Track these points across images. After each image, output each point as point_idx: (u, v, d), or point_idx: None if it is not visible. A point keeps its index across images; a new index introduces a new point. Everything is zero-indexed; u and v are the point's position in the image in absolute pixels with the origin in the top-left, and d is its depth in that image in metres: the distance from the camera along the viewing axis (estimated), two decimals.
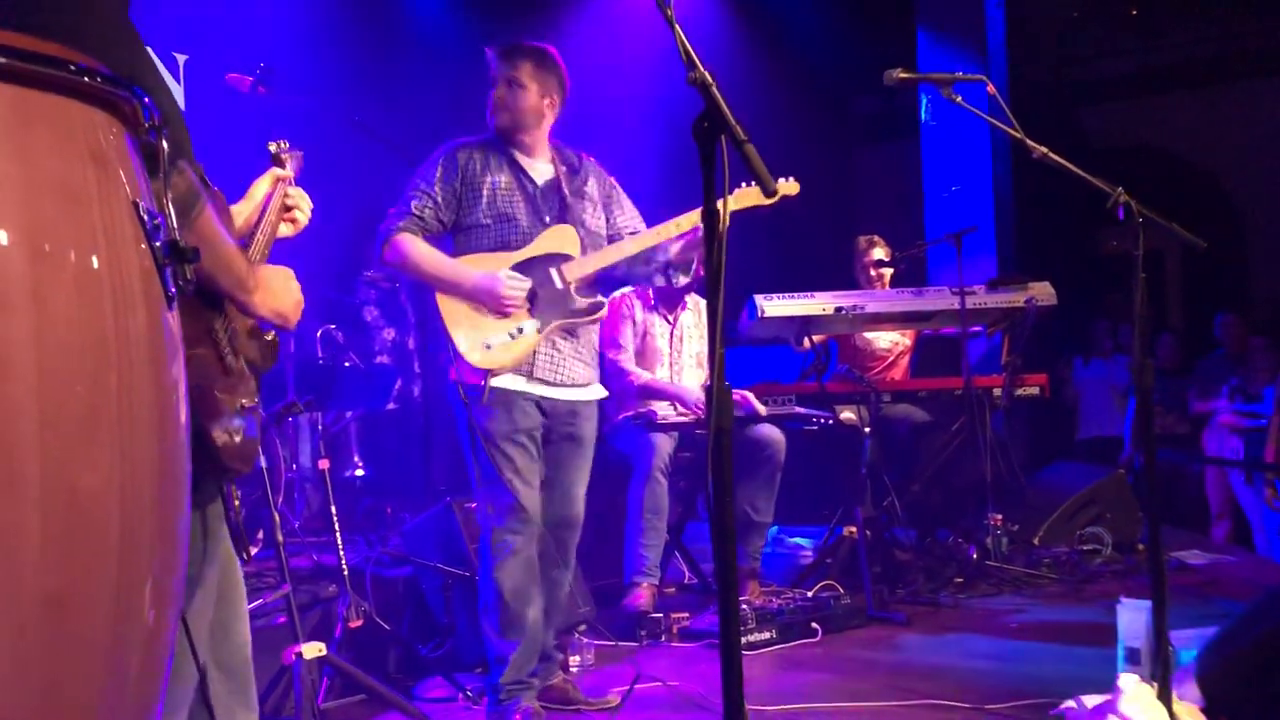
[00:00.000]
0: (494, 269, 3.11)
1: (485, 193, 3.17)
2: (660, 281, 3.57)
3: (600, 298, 3.28)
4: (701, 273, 3.68)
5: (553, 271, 3.17)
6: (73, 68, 1.13)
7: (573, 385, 3.21)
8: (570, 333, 3.21)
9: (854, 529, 4.76)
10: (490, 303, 3.08)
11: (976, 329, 5.36)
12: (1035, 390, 5.21)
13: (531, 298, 3.12)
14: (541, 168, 3.28)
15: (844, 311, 4.94)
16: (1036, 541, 5.25)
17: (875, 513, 4.76)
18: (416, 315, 6.16)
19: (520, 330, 3.10)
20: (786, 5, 7.65)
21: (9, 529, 1.01)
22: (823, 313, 4.93)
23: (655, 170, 6.56)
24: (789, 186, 3.46)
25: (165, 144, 1.24)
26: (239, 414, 1.78)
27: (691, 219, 3.28)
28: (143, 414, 1.14)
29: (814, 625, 4.06)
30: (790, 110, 7.50)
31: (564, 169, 3.29)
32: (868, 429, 4.79)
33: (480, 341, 3.08)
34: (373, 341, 5.69)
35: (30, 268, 1.05)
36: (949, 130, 7.42)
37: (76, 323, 1.08)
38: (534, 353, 3.12)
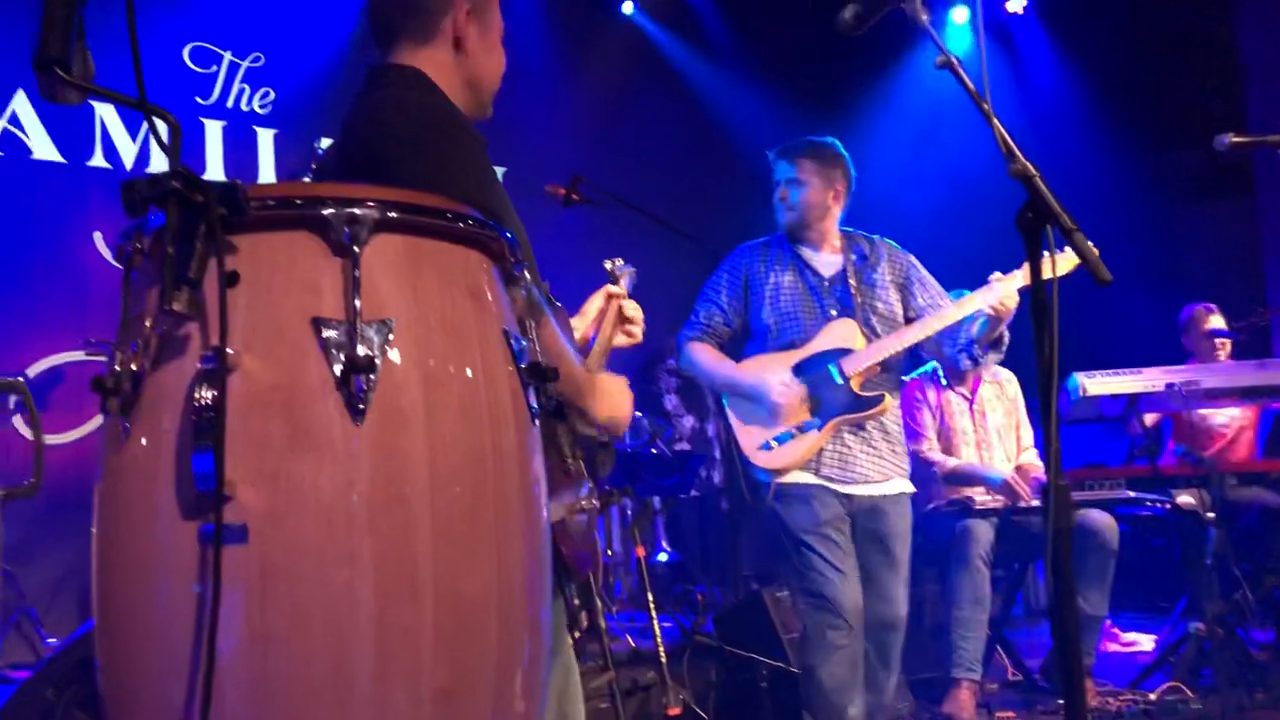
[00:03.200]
0: (775, 369, 3.15)
1: (768, 294, 3.25)
2: (966, 364, 3.46)
3: (882, 392, 3.20)
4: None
5: (832, 367, 3.16)
6: (449, 215, 1.28)
7: (866, 482, 3.17)
8: (859, 427, 3.18)
9: (1201, 626, 4.35)
10: (764, 405, 3.14)
11: None
12: None
13: (813, 396, 3.13)
14: (829, 259, 3.29)
15: (1176, 388, 4.58)
16: None
17: (1224, 608, 4.33)
18: (715, 403, 6.32)
19: (801, 429, 3.12)
20: (1097, 52, 7.31)
21: (410, 631, 1.13)
22: (1152, 389, 4.60)
23: (954, 247, 6.42)
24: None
25: (526, 274, 1.37)
26: (580, 515, 1.89)
27: (974, 302, 3.18)
28: (514, 521, 1.25)
29: None
30: (1103, 165, 7.13)
31: (853, 257, 3.29)
32: (1211, 514, 4.39)
33: (762, 441, 3.13)
34: (674, 429, 5.88)
35: (423, 392, 1.19)
36: None
37: (461, 440, 1.20)
38: (820, 450, 3.12)
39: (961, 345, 3.33)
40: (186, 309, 1.13)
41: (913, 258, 3.39)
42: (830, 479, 3.12)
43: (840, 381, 3.15)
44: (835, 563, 3.04)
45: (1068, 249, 3.22)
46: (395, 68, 1.86)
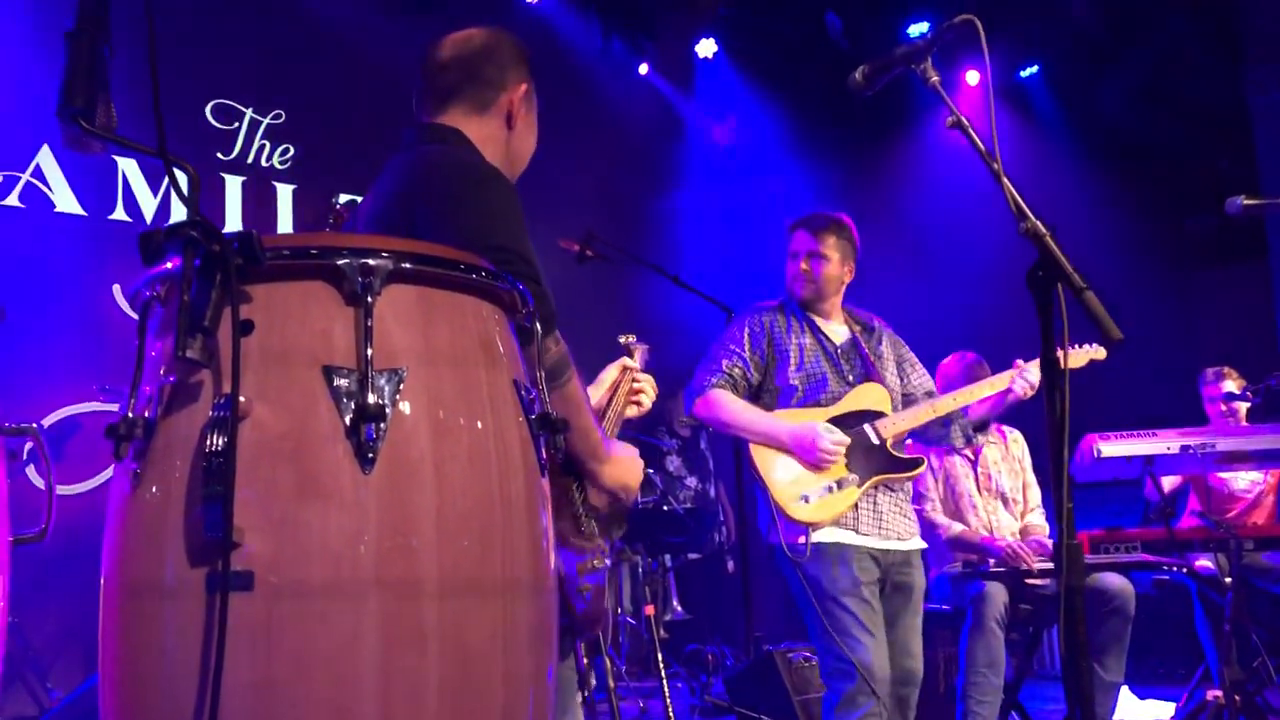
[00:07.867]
0: (817, 422, 3.16)
1: (793, 354, 3.26)
2: (960, 442, 3.50)
3: (920, 456, 3.26)
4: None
5: (867, 428, 3.17)
6: (462, 266, 1.30)
7: (898, 539, 3.17)
8: (889, 488, 3.18)
9: (1218, 693, 4.27)
10: (807, 455, 3.10)
11: None
12: None
13: (850, 453, 3.12)
14: (838, 329, 3.36)
15: (1192, 450, 4.54)
16: None
17: (1243, 675, 4.26)
18: (716, 464, 6.30)
19: (839, 484, 3.10)
20: (1109, 121, 7.38)
21: (415, 679, 1.12)
22: (1167, 452, 4.56)
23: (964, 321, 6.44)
24: (1098, 352, 3.58)
25: (538, 326, 1.38)
26: (591, 574, 1.88)
27: (1005, 379, 3.36)
28: (521, 573, 1.25)
29: None
30: (1116, 230, 7.16)
31: (859, 328, 3.37)
32: (1229, 579, 4.32)
33: (798, 494, 3.09)
34: (678, 490, 5.85)
35: (432, 441, 1.19)
36: None
37: (469, 489, 1.20)
38: (855, 507, 3.11)
39: (959, 424, 3.39)
40: (200, 357, 1.14)
41: (902, 340, 3.50)
42: (867, 536, 3.10)
43: (876, 442, 3.16)
44: (870, 627, 2.99)
45: (1081, 347, 3.36)
46: (444, 127, 1.89)
